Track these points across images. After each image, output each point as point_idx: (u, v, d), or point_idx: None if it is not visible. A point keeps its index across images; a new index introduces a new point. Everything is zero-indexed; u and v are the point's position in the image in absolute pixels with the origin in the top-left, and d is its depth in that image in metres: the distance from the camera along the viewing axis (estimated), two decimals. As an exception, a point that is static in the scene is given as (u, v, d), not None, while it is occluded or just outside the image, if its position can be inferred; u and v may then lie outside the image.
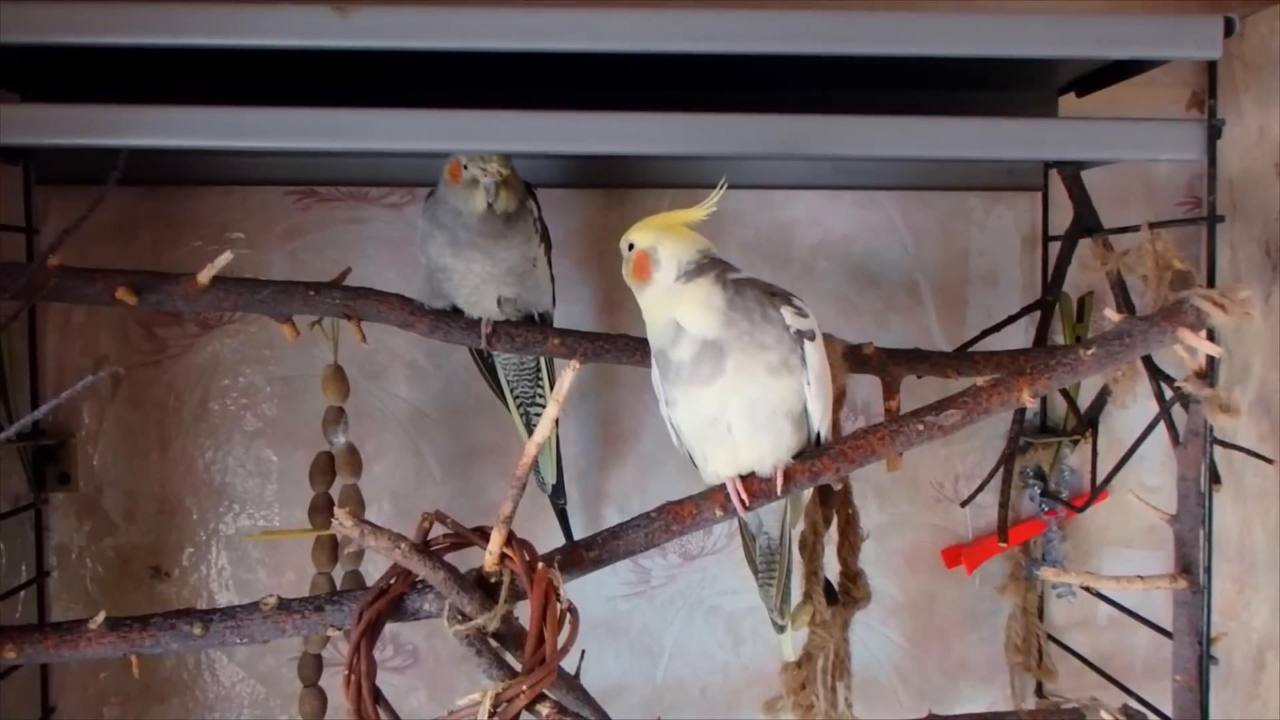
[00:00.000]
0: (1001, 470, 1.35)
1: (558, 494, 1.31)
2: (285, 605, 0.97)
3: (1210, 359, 1.00)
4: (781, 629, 1.15)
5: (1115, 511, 1.45)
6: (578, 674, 0.96)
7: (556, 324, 1.23)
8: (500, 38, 1.00)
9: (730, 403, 0.94)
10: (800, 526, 1.15)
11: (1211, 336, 0.97)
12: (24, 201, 1.30)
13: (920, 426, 0.97)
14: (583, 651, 0.94)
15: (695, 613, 1.45)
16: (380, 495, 1.38)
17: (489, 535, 0.88)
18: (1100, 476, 1.40)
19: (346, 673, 0.87)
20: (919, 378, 1.22)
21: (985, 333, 1.34)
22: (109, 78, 1.15)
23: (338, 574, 1.24)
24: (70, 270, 1.09)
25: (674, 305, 0.94)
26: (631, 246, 0.98)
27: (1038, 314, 1.36)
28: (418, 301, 1.15)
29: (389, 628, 0.92)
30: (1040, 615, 1.43)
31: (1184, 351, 0.98)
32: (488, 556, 0.88)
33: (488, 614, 0.86)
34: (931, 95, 1.23)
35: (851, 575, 1.20)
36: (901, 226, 1.43)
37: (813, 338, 0.96)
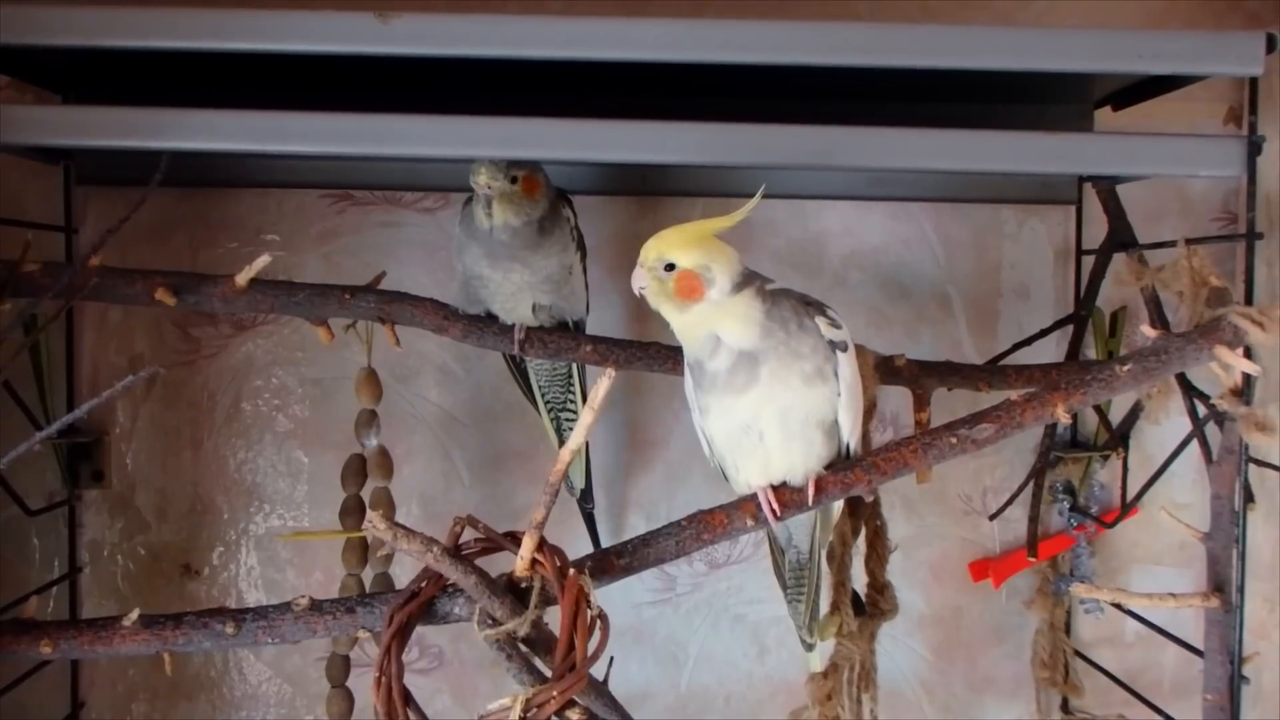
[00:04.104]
0: (1031, 484, 1.35)
1: (586, 498, 1.32)
2: (317, 606, 0.97)
3: (1246, 376, 1.00)
4: (810, 647, 1.15)
5: (1145, 528, 1.44)
6: (606, 681, 0.96)
7: (588, 331, 1.23)
8: (539, 46, 1.01)
9: (764, 411, 0.94)
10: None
11: (1249, 354, 0.97)
12: (64, 202, 1.32)
13: (953, 440, 0.97)
14: (611, 658, 0.94)
15: (720, 621, 1.44)
16: (409, 498, 1.39)
17: (520, 540, 0.88)
18: (1131, 492, 1.39)
19: (377, 674, 0.87)
20: (949, 390, 1.21)
21: (1017, 346, 1.34)
22: (150, 81, 1.17)
23: (367, 576, 1.25)
24: (110, 270, 1.11)
25: (717, 320, 0.93)
26: (671, 267, 0.93)
27: (1069, 328, 1.35)
28: (452, 306, 1.16)
29: (415, 630, 0.93)
30: (1067, 631, 1.42)
31: (1219, 369, 0.97)
32: (519, 562, 0.88)
33: (518, 619, 0.86)
34: (966, 108, 1.22)
35: (879, 587, 1.20)
36: (934, 238, 1.42)
37: (845, 348, 0.96)
